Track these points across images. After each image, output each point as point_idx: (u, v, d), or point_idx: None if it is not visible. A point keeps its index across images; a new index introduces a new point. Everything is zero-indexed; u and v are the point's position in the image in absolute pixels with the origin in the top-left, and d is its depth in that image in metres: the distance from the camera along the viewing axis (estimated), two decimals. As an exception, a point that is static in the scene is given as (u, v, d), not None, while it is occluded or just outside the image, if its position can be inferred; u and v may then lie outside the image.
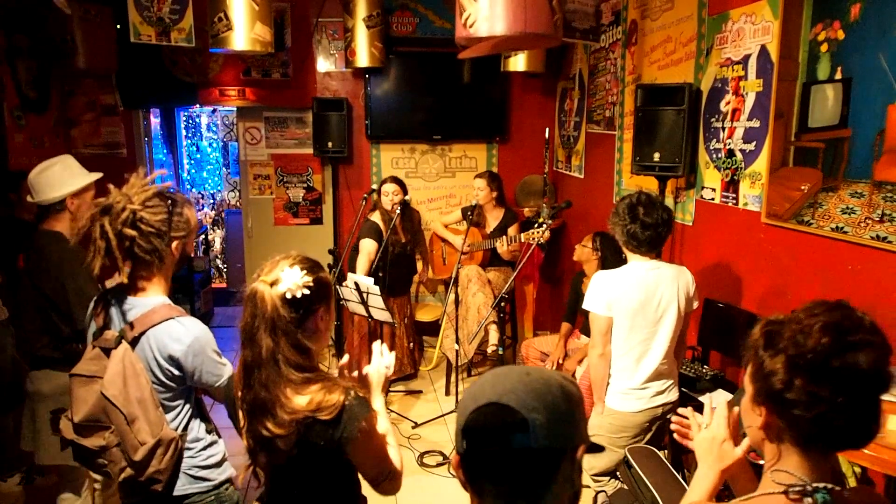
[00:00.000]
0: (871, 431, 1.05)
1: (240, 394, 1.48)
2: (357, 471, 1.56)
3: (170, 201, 1.74)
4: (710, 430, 1.33)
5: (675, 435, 1.50)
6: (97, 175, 2.62)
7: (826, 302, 1.07)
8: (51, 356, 2.55)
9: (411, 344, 4.73)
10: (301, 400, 1.42)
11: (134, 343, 1.69)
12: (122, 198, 1.65)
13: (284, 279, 1.43)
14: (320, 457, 1.47)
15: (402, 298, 4.65)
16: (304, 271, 1.45)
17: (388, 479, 1.55)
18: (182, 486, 1.80)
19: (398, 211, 4.30)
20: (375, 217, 4.43)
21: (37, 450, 2.59)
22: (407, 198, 4.47)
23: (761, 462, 1.18)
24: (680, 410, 1.48)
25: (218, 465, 1.89)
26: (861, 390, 1.01)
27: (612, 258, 3.39)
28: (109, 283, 1.87)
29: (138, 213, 1.64)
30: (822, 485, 1.05)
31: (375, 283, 3.69)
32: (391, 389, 4.48)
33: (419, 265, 4.92)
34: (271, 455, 1.46)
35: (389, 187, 4.43)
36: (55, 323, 2.50)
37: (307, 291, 1.44)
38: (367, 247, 4.32)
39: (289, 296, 1.42)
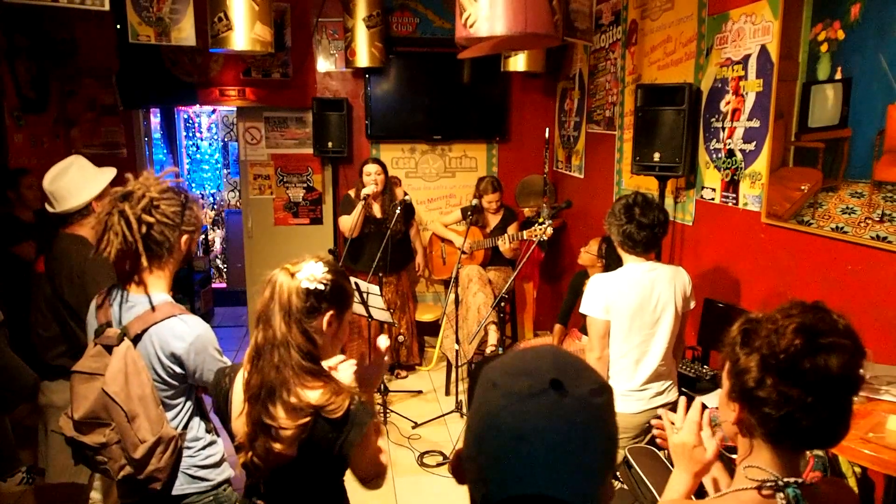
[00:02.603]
0: (839, 432, 1.07)
1: (245, 376, 1.49)
2: (345, 470, 1.58)
3: (183, 196, 1.77)
4: (681, 435, 1.35)
5: (657, 440, 1.51)
6: (112, 171, 2.56)
7: (803, 303, 1.09)
8: (66, 366, 2.49)
9: (401, 335, 4.73)
10: (308, 394, 1.43)
11: (136, 340, 1.70)
12: (141, 186, 1.68)
13: (304, 269, 1.47)
14: (322, 460, 1.47)
15: (392, 277, 4.66)
16: (326, 270, 1.49)
17: (378, 477, 1.58)
18: (181, 486, 1.80)
19: (398, 211, 4.32)
20: (350, 192, 4.60)
21: (47, 466, 2.54)
22: (407, 198, 4.48)
23: (733, 456, 1.20)
24: (659, 412, 1.49)
25: (217, 465, 1.89)
26: (830, 392, 1.03)
27: (615, 266, 3.37)
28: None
29: (156, 200, 1.68)
30: (792, 479, 1.07)
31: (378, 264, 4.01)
32: (391, 389, 4.48)
33: (417, 255, 4.95)
34: (271, 455, 1.45)
35: (371, 168, 4.48)
36: (73, 331, 2.43)
37: (321, 287, 1.46)
38: (340, 222, 4.62)
39: (304, 285, 1.45)
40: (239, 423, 1.51)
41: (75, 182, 2.44)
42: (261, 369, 1.44)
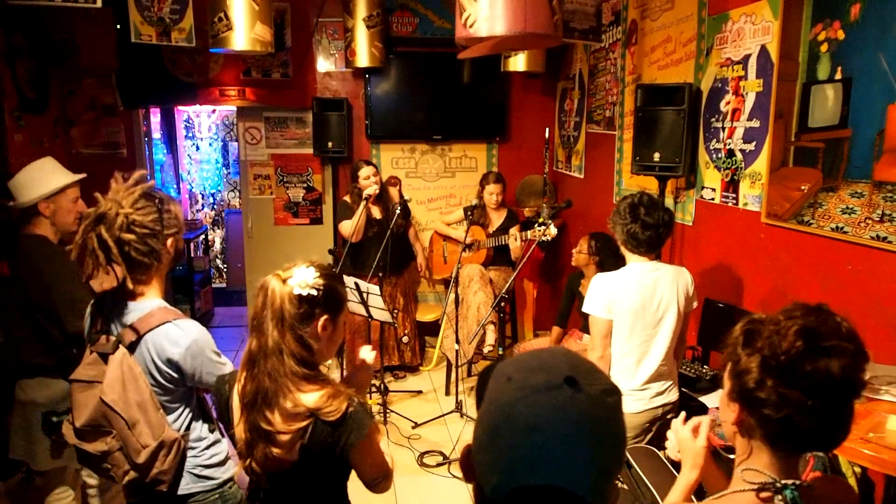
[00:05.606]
0: (838, 436, 1.07)
1: (240, 385, 1.48)
2: (348, 474, 1.58)
3: (157, 200, 1.74)
4: (682, 431, 1.40)
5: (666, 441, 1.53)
6: (75, 177, 2.55)
7: (806, 305, 1.09)
8: (44, 363, 2.49)
9: (405, 336, 4.74)
10: (305, 398, 1.43)
11: (132, 347, 1.69)
12: (113, 204, 1.65)
13: (296, 275, 1.46)
14: (323, 463, 1.47)
15: (394, 277, 4.67)
16: (318, 275, 1.47)
17: (384, 479, 1.58)
18: (186, 485, 1.80)
19: (398, 211, 4.32)
20: (346, 198, 4.63)
21: (32, 459, 2.54)
22: (407, 198, 4.48)
23: (731, 456, 1.20)
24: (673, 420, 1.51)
25: (221, 463, 1.89)
26: (831, 396, 1.03)
27: (608, 261, 3.37)
28: (94, 284, 1.87)
29: (131, 216, 1.65)
30: (790, 481, 1.07)
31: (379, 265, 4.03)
32: (391, 389, 4.48)
33: (418, 255, 4.96)
34: (270, 460, 1.45)
35: (369, 170, 4.49)
36: (46, 329, 2.44)
37: (314, 293, 1.45)
38: (341, 228, 4.59)
39: (296, 291, 1.44)
40: (239, 430, 1.50)
41: (28, 180, 2.46)
42: (255, 376, 1.44)
